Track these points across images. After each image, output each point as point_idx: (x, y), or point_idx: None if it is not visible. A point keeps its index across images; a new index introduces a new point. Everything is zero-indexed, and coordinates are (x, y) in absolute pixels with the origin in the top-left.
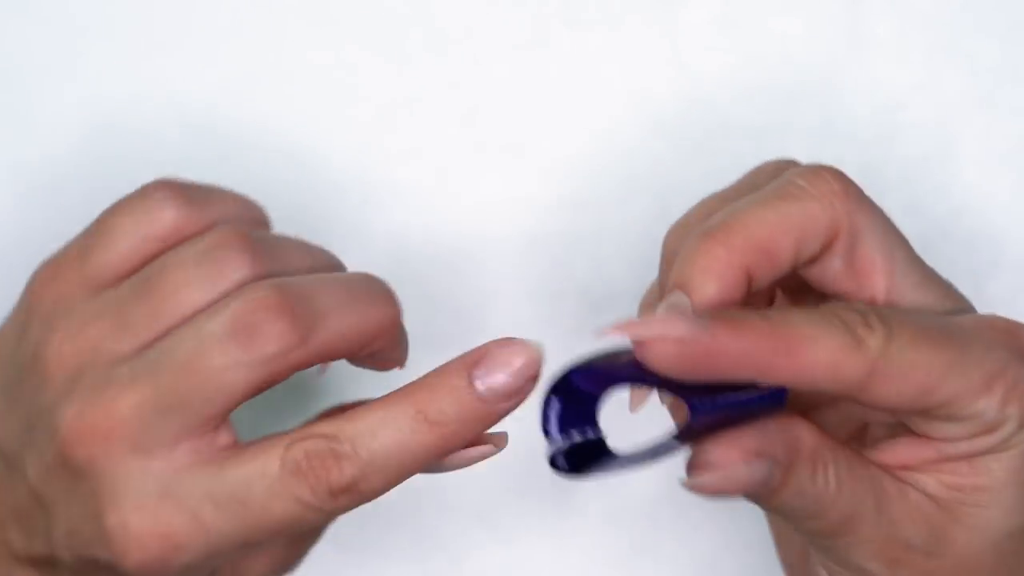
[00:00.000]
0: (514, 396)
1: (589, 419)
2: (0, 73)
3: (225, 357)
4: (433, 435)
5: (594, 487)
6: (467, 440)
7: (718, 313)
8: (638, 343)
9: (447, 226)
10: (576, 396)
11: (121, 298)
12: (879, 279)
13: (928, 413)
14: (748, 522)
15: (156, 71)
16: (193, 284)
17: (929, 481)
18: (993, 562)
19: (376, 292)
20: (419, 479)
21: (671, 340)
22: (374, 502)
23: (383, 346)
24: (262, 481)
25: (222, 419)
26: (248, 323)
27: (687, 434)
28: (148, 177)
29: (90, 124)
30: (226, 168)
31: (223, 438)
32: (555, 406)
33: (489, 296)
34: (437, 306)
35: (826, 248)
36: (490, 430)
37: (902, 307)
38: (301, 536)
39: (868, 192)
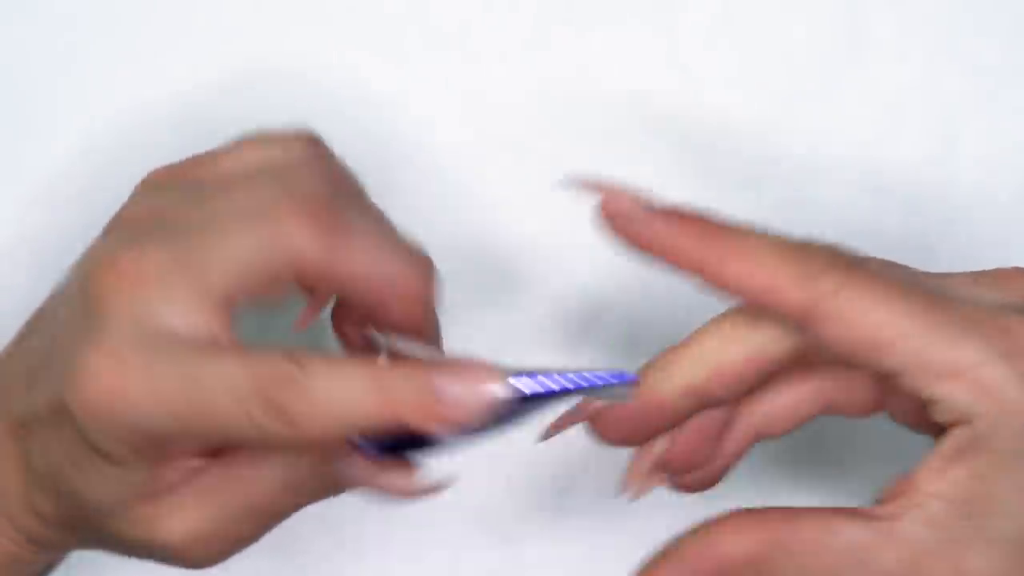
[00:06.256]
0: (463, 408)
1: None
2: None
3: (250, 235)
4: (377, 407)
5: (594, 488)
6: (403, 428)
7: (673, 204)
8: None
9: (445, 226)
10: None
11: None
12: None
13: (890, 378)
14: None
15: (156, 71)
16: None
17: (933, 503)
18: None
19: (414, 250)
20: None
21: (615, 203)
22: (374, 500)
23: (407, 315)
24: (226, 381)
25: (231, 291)
26: (277, 211)
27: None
28: None
29: (89, 124)
30: None
31: (221, 327)
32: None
33: (488, 297)
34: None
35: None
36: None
37: None
38: (233, 517)
39: (867, 192)
